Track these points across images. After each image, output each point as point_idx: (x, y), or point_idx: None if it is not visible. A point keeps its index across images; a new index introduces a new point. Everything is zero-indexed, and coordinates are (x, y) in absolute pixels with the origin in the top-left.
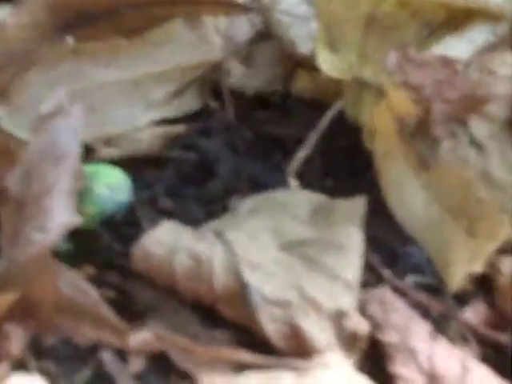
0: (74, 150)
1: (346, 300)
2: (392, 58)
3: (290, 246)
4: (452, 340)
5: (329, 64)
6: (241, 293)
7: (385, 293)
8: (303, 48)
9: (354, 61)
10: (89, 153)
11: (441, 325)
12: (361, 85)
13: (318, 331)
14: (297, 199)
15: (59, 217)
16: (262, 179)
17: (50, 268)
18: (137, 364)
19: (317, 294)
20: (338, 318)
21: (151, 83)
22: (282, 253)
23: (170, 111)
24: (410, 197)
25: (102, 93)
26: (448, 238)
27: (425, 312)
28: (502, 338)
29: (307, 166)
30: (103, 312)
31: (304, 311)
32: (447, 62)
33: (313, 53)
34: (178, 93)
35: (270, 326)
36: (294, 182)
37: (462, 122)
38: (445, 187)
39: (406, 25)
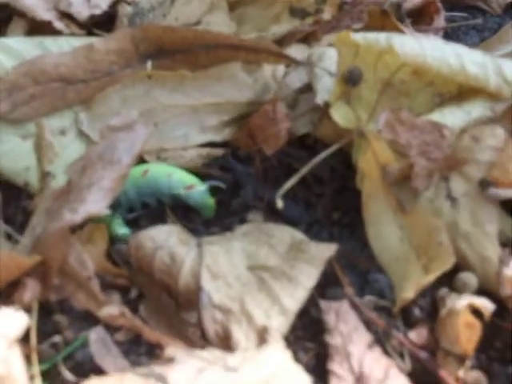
0: (126, 160)
1: (277, 321)
2: (383, 116)
3: (255, 268)
4: (389, 353)
5: (340, 114)
6: (196, 293)
7: (342, 305)
8: (319, 99)
9: (364, 115)
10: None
11: (383, 340)
12: (360, 134)
13: (243, 339)
14: (281, 233)
15: (90, 206)
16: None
17: (66, 241)
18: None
19: (254, 310)
20: (263, 332)
21: (208, 111)
22: (246, 271)
23: (220, 137)
24: (386, 233)
25: (166, 114)
26: (409, 272)
27: (373, 327)
28: (422, 354)
29: (320, 200)
30: (92, 286)
31: (239, 321)
32: (436, 127)
33: (328, 103)
34: (230, 123)
35: (210, 326)
36: (280, 203)
37: (444, 178)
38: (416, 229)
39: (419, 93)
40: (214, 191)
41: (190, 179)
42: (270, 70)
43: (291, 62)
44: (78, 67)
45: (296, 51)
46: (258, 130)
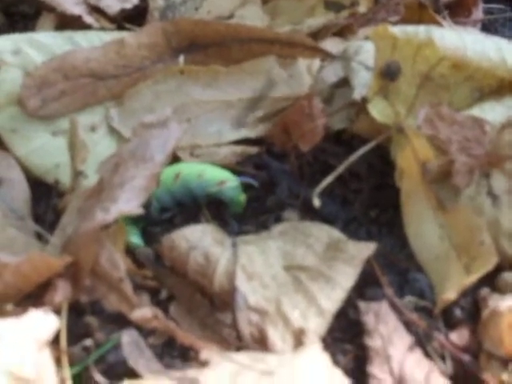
0: (159, 158)
1: (314, 323)
2: (423, 112)
3: (291, 268)
4: (430, 355)
5: (378, 109)
6: (231, 294)
7: (381, 306)
8: (356, 94)
9: (402, 110)
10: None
11: (423, 341)
12: (398, 130)
13: (280, 341)
14: (319, 232)
15: (122, 205)
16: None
17: (98, 241)
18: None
19: (290, 312)
20: (300, 334)
21: (242, 107)
22: (282, 272)
23: (254, 133)
24: (425, 232)
25: (199, 109)
26: (450, 272)
27: (413, 329)
28: (464, 357)
29: (357, 197)
30: (124, 287)
31: (275, 322)
32: (477, 122)
33: (365, 98)
34: (264, 119)
35: (245, 327)
36: (317, 202)
37: (485, 174)
38: (457, 227)
39: (458, 87)
40: (247, 188)
41: (222, 175)
42: (305, 65)
43: (326, 56)
44: (108, 62)
45: (331, 45)
46: (294, 125)
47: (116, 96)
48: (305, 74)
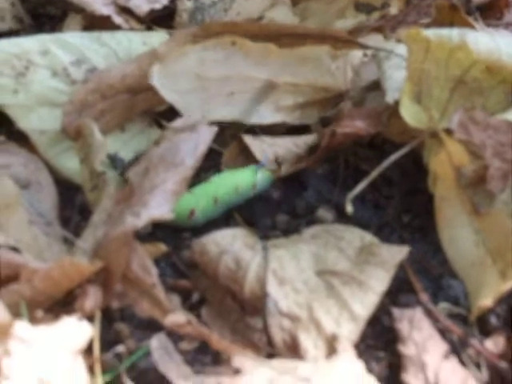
0: (189, 162)
1: (347, 329)
2: (456, 116)
3: (323, 273)
4: (465, 363)
5: (410, 113)
6: (262, 299)
7: (415, 313)
8: (389, 97)
9: (436, 115)
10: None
11: (459, 349)
12: (432, 135)
13: (312, 347)
14: (351, 236)
15: (153, 210)
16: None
17: (129, 246)
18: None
19: (323, 317)
20: (332, 341)
21: (285, 90)
22: (314, 276)
23: (290, 118)
24: (460, 237)
25: (244, 85)
26: (485, 278)
27: (448, 336)
28: (500, 364)
29: (389, 202)
30: (157, 293)
31: (307, 328)
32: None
33: (397, 102)
34: (303, 106)
35: (277, 333)
36: (349, 209)
37: None
38: (492, 233)
39: (492, 91)
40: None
41: (253, 177)
42: (349, 59)
43: (361, 48)
44: (143, 76)
45: (371, 40)
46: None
47: (153, 107)
48: (349, 68)
